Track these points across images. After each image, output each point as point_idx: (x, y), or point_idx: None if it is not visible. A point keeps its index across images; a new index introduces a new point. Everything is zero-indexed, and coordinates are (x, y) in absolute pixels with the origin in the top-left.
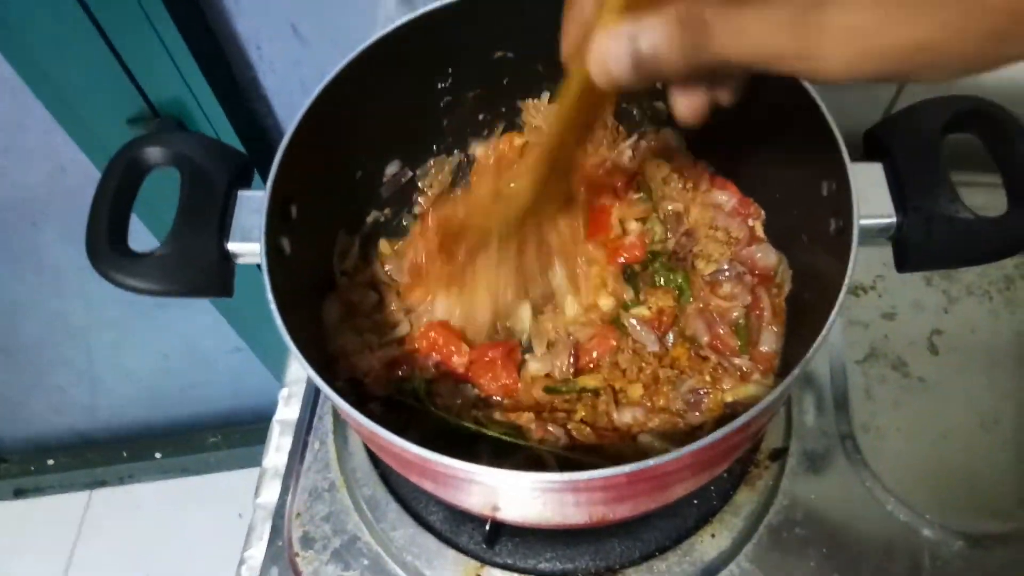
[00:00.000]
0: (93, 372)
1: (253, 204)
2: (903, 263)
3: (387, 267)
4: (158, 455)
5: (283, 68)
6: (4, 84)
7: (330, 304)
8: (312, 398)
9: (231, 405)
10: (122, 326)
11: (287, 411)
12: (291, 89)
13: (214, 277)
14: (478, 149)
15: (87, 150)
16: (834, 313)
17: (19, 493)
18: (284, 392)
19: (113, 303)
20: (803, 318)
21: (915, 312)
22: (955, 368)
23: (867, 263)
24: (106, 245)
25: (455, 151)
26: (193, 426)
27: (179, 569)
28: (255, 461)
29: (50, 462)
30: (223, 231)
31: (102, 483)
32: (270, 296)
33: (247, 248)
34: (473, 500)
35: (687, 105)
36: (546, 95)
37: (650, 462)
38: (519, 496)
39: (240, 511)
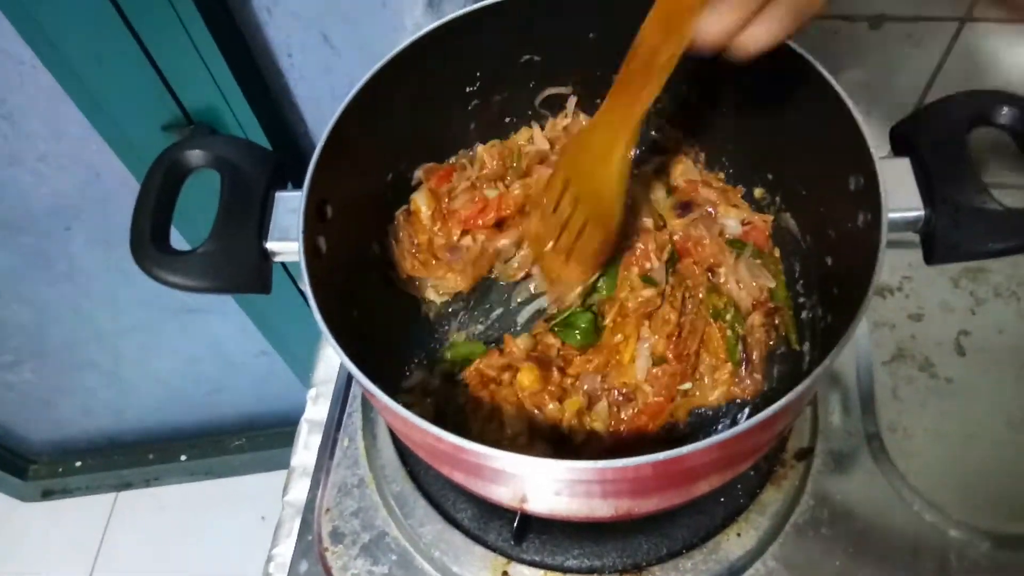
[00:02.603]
0: (121, 375)
1: (290, 204)
2: (931, 255)
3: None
4: (183, 457)
5: (313, 76)
6: (43, 93)
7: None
8: (342, 395)
9: (256, 409)
10: (150, 330)
11: (315, 411)
12: (321, 96)
13: (254, 274)
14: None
15: (123, 156)
16: (866, 301)
17: (47, 494)
18: (312, 392)
19: (141, 307)
20: (831, 312)
21: (942, 313)
22: (982, 369)
23: (893, 265)
24: (150, 244)
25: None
26: (218, 429)
27: (203, 571)
28: (279, 464)
29: (78, 464)
30: (262, 230)
31: (128, 485)
32: (310, 292)
33: (285, 247)
34: (503, 491)
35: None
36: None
37: (680, 451)
38: (547, 486)
39: (263, 514)
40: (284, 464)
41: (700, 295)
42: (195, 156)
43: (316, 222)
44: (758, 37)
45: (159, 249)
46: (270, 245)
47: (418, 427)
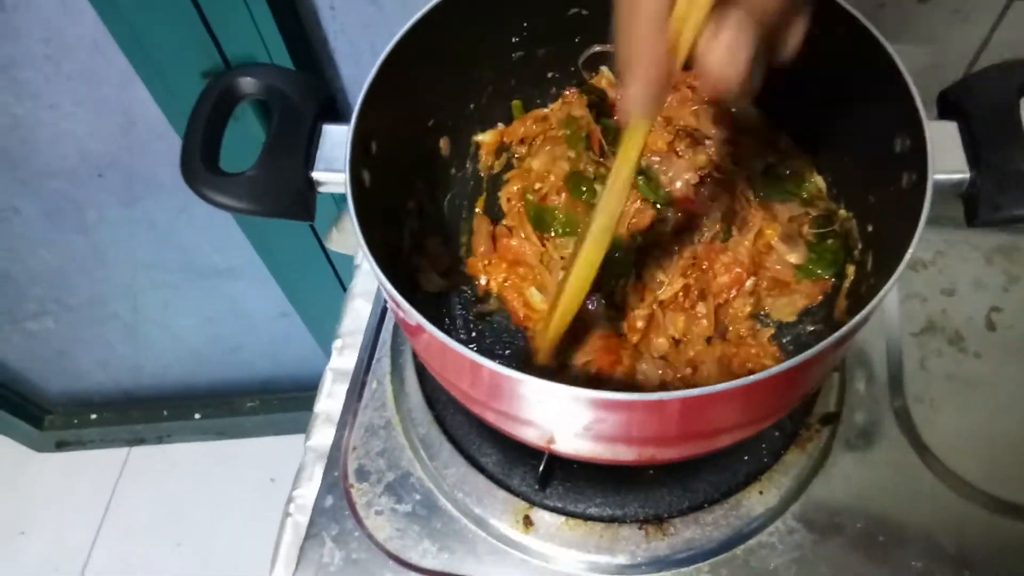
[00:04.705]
0: (140, 330)
1: (337, 137)
2: (974, 216)
3: None
4: (197, 416)
5: (354, 30)
6: (88, 37)
7: None
8: (372, 342)
9: (272, 372)
10: (172, 287)
11: (340, 360)
12: (360, 51)
13: (299, 201)
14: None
15: (161, 103)
16: (907, 256)
17: (61, 445)
18: (338, 343)
19: (164, 265)
20: (868, 277)
21: (974, 289)
22: (1012, 345)
23: (927, 240)
24: (200, 164)
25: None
26: (233, 390)
27: (210, 528)
28: (291, 428)
29: (93, 416)
30: (308, 160)
31: (141, 440)
32: (354, 219)
33: (330, 177)
34: (531, 431)
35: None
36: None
37: (709, 389)
38: (576, 420)
39: (273, 476)
40: (295, 429)
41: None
42: (247, 83)
43: (361, 154)
44: (722, 72)
45: (209, 170)
46: (316, 175)
47: (460, 354)
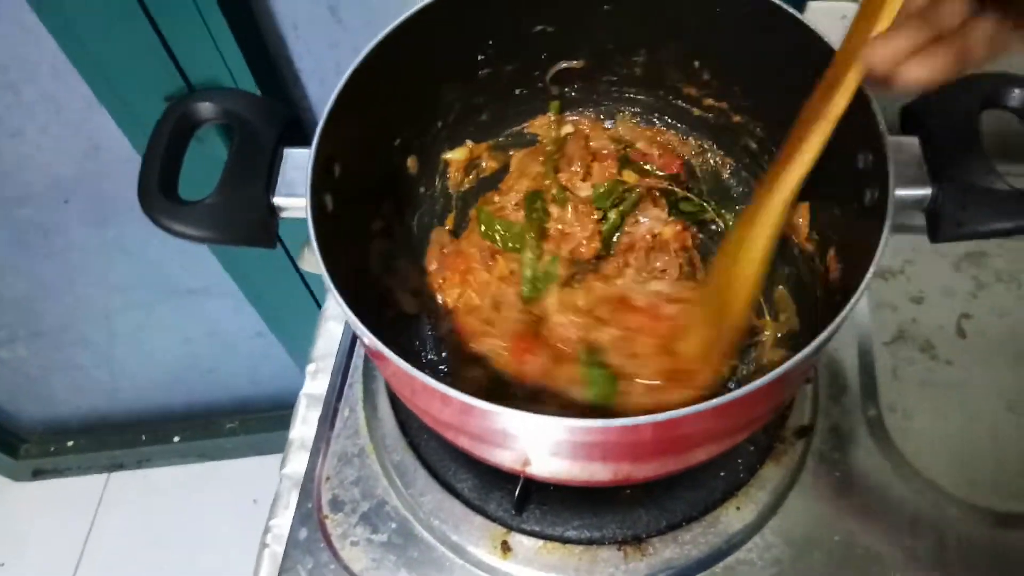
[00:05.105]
0: (115, 354)
1: (299, 161)
2: (936, 233)
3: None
4: (176, 439)
5: (319, 50)
6: (47, 63)
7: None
8: (343, 367)
9: (250, 391)
10: (146, 309)
11: (314, 385)
12: (326, 70)
13: (260, 228)
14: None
15: (124, 127)
16: (869, 274)
17: (38, 474)
18: (311, 367)
19: (137, 286)
20: (833, 291)
21: (944, 296)
22: (983, 352)
23: (896, 248)
24: (158, 192)
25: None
26: (212, 411)
27: (194, 552)
28: (271, 448)
29: (69, 443)
30: (269, 185)
31: (120, 466)
32: (315, 244)
33: (292, 203)
34: (506, 454)
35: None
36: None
37: (679, 412)
38: (549, 446)
39: (255, 497)
40: (276, 448)
41: None
42: (205, 108)
43: (324, 178)
44: (918, 73)
45: (167, 198)
46: (277, 200)
47: (428, 387)
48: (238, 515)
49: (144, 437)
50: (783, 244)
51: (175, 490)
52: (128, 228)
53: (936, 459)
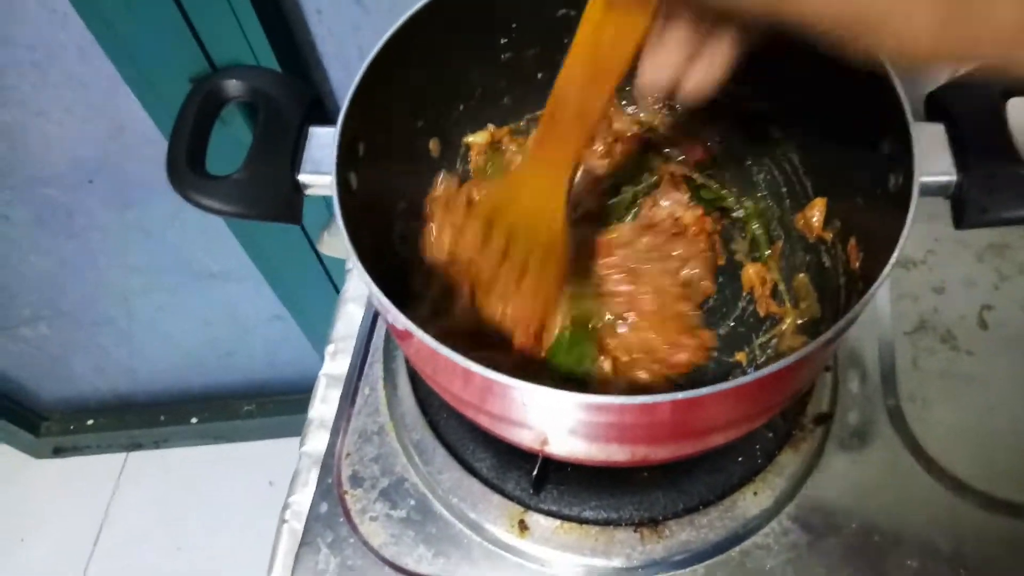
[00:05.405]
0: (135, 335)
1: (323, 139)
2: (961, 220)
3: None
4: (194, 420)
5: (342, 33)
6: (74, 44)
7: None
8: (364, 347)
9: (267, 375)
10: (166, 290)
11: (333, 365)
12: (349, 55)
13: (285, 204)
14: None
15: (148, 108)
16: (892, 260)
17: (58, 451)
18: (331, 348)
19: (158, 268)
20: (855, 275)
21: (965, 287)
22: (1004, 343)
23: (918, 238)
24: (186, 167)
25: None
26: (230, 393)
27: (209, 532)
28: (288, 431)
29: (89, 422)
30: (295, 162)
31: (138, 445)
32: (340, 221)
33: (317, 180)
34: (525, 432)
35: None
36: None
37: (698, 392)
38: (569, 424)
39: (271, 479)
40: (292, 432)
41: None
42: (232, 86)
43: (349, 156)
44: (699, 81)
45: (194, 172)
46: (302, 177)
47: (451, 362)
48: (254, 496)
49: (163, 418)
50: (803, 233)
51: (192, 470)
52: (150, 210)
53: (955, 450)
